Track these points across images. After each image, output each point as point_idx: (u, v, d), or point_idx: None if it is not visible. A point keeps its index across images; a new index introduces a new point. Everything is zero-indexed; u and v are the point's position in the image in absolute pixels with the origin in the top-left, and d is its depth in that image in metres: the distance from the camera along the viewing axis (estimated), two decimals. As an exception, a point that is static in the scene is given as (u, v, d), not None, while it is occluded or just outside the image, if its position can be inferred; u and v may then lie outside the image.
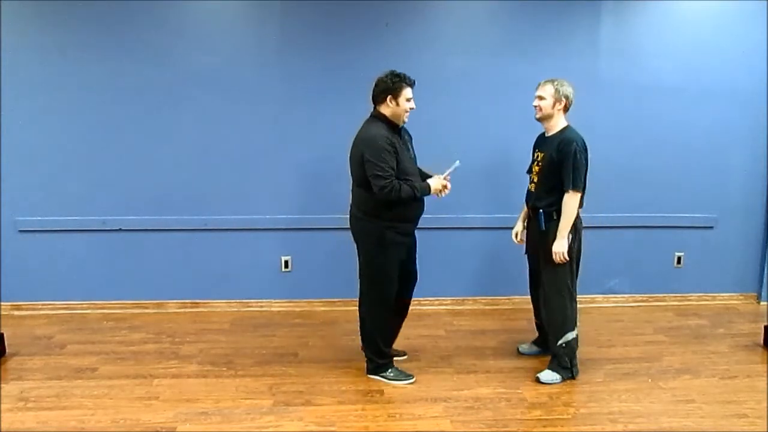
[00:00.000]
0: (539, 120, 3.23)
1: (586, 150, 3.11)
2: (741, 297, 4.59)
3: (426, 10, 4.09)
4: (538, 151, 3.27)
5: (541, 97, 3.15)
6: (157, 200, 4.18)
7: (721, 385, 3.22)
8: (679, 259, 4.52)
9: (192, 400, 3.01)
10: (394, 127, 3.06)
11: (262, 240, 4.28)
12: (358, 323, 3.31)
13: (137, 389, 3.12)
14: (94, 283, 4.26)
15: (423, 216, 3.23)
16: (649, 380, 3.25)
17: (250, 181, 4.21)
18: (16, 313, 4.24)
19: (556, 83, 3.13)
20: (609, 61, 4.19)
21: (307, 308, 4.38)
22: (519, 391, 3.12)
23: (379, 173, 2.91)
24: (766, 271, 4.53)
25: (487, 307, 4.44)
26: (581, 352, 3.34)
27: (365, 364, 3.31)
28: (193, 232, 4.24)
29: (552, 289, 3.20)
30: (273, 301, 4.39)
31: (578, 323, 3.24)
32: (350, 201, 3.23)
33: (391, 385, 3.18)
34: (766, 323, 3.76)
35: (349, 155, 3.14)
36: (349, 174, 3.17)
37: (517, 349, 3.62)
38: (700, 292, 4.57)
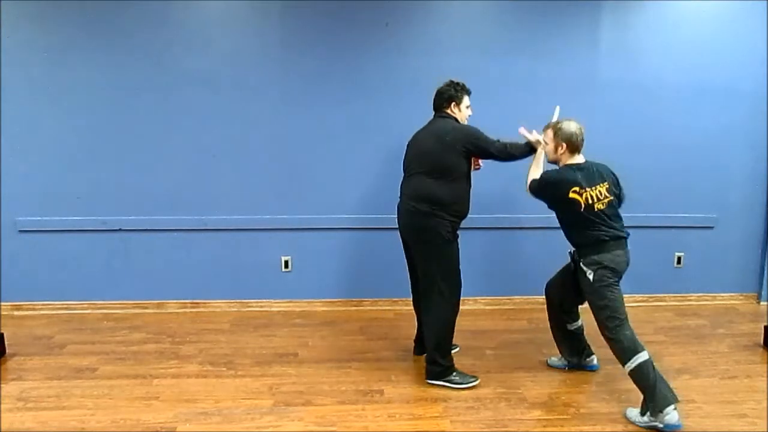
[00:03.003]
0: (551, 163, 3.17)
1: (551, 184, 3.01)
2: (741, 297, 4.59)
3: (426, 10, 4.09)
4: None
5: (544, 142, 3.13)
6: (157, 200, 4.19)
7: (721, 385, 3.22)
8: (679, 259, 4.52)
9: (192, 400, 3.01)
10: None
11: (262, 240, 4.28)
12: (422, 327, 3.35)
13: (137, 389, 3.12)
14: (94, 283, 4.26)
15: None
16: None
17: (250, 181, 4.21)
18: (16, 313, 4.25)
19: (556, 127, 3.04)
20: (609, 61, 4.19)
21: (307, 308, 4.38)
22: (519, 391, 3.12)
23: (491, 143, 3.12)
24: (766, 271, 4.53)
25: (487, 307, 4.44)
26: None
27: (425, 371, 3.20)
28: (193, 232, 4.24)
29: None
30: (273, 301, 4.39)
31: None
32: (405, 198, 3.19)
33: (391, 385, 3.17)
34: (766, 323, 3.76)
35: (412, 149, 3.21)
36: (404, 168, 3.25)
37: (546, 362, 3.46)
38: (700, 292, 4.57)
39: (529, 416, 2.88)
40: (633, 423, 2.79)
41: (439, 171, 3.07)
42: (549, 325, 3.38)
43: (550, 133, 3.07)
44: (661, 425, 2.70)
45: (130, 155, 4.12)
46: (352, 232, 4.31)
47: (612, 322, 2.88)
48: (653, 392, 2.71)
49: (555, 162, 3.14)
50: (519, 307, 4.40)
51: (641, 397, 2.80)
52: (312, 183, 4.24)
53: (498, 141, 3.15)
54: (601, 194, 2.95)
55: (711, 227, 4.48)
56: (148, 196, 4.18)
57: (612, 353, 2.90)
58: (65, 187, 4.13)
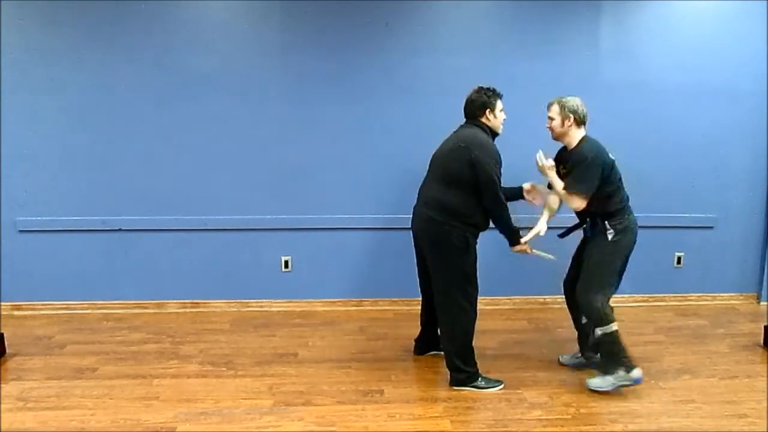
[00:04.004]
0: (556, 139, 3.22)
1: (599, 161, 3.06)
2: (741, 297, 4.59)
3: (426, 10, 4.09)
4: (562, 166, 3.23)
5: (550, 118, 3.17)
6: (157, 200, 4.19)
7: (721, 385, 3.22)
8: (679, 259, 4.52)
9: (192, 400, 3.01)
10: (494, 138, 3.15)
11: (262, 240, 4.28)
12: (425, 328, 3.40)
13: (137, 389, 3.12)
14: (94, 283, 4.26)
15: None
16: (651, 381, 3.24)
17: (250, 181, 4.21)
18: (16, 313, 4.25)
19: (561, 101, 3.14)
20: (609, 61, 4.20)
21: (307, 308, 4.38)
22: (519, 391, 3.12)
23: (497, 182, 2.99)
24: (766, 271, 4.54)
25: (487, 307, 4.43)
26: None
27: (450, 378, 3.17)
28: (193, 232, 4.24)
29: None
30: (273, 301, 4.39)
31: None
32: (420, 203, 3.17)
33: (391, 385, 3.17)
34: (766, 323, 3.76)
35: (438, 154, 3.15)
36: (427, 173, 3.19)
37: (558, 359, 3.51)
38: (700, 292, 4.57)
39: (529, 416, 2.88)
40: (601, 390, 3.06)
41: (452, 179, 3.03)
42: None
43: (556, 107, 3.14)
44: (629, 382, 3.05)
45: (130, 155, 4.12)
46: (352, 232, 4.31)
47: (609, 285, 3.12)
48: (625, 354, 3.06)
49: (561, 137, 3.18)
50: (519, 307, 4.40)
51: (628, 393, 3.05)
52: (312, 183, 4.24)
53: (499, 189, 3.01)
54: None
55: (711, 227, 4.48)
56: (148, 196, 4.18)
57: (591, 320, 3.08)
58: (65, 187, 4.13)
